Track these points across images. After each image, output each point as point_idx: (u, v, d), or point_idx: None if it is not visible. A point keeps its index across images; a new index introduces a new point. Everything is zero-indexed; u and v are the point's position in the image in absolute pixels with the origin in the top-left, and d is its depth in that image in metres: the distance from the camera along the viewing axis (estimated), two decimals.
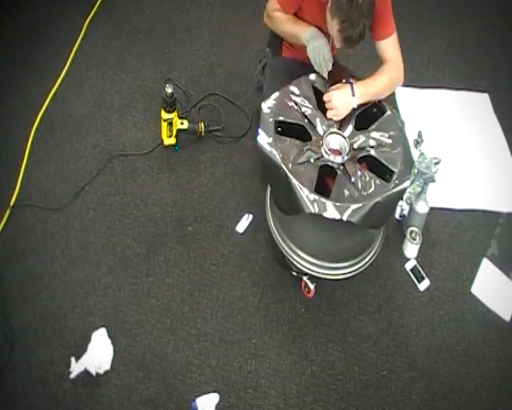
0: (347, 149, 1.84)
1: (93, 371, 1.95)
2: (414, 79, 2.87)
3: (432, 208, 2.31)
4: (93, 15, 2.99)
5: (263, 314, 2.14)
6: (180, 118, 2.49)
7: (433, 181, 2.27)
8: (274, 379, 2.01)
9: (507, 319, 2.18)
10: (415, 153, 2.40)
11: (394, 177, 1.78)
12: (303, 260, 1.96)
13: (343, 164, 1.82)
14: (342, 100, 1.88)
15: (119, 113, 2.65)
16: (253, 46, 2.92)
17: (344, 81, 1.92)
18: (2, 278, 2.14)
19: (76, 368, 1.93)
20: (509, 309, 2.20)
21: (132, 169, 2.47)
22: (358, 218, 1.70)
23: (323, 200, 1.70)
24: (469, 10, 3.25)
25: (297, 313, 2.14)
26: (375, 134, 1.89)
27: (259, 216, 2.31)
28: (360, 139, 1.88)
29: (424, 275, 2.25)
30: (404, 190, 1.83)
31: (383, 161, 1.82)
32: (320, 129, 1.88)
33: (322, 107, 1.92)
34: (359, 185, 1.76)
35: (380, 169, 1.82)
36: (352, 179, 1.77)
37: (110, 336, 2.04)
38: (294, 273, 2.13)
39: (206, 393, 1.96)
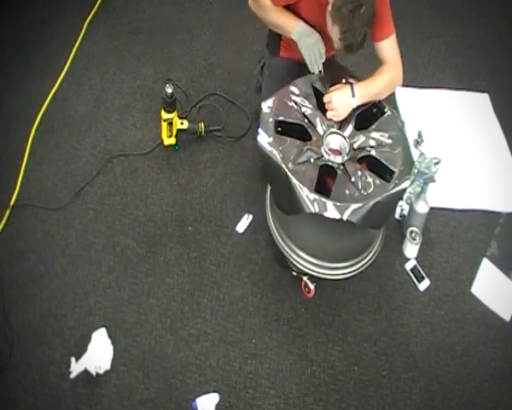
0: (347, 149, 1.84)
1: (93, 371, 1.95)
2: (414, 79, 2.87)
3: (432, 208, 2.31)
4: (93, 15, 2.99)
5: (263, 314, 2.14)
6: (180, 118, 2.49)
7: (433, 181, 2.27)
8: (274, 379, 2.01)
9: (507, 319, 2.18)
10: (415, 153, 2.40)
11: (394, 177, 1.78)
12: (303, 260, 1.96)
13: (343, 164, 1.82)
14: (342, 101, 1.88)
15: (119, 113, 2.65)
16: (253, 46, 2.92)
17: (344, 82, 1.92)
18: (2, 278, 2.14)
19: (76, 368, 1.93)
20: (509, 309, 2.20)
21: (132, 169, 2.47)
22: (358, 218, 1.70)
23: (323, 200, 1.70)
24: (469, 10, 3.25)
25: (297, 313, 2.14)
26: (375, 134, 1.89)
27: (259, 216, 2.31)
28: (360, 139, 1.88)
29: (424, 275, 2.25)
30: (404, 190, 1.83)
31: (383, 161, 1.82)
32: (320, 129, 1.88)
33: (322, 107, 1.92)
34: (359, 185, 1.76)
35: (380, 169, 1.82)
36: (352, 179, 1.77)
37: (110, 336, 2.04)
38: (294, 273, 2.13)
39: (206, 393, 1.96)
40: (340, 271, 1.98)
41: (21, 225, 2.28)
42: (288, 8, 2.02)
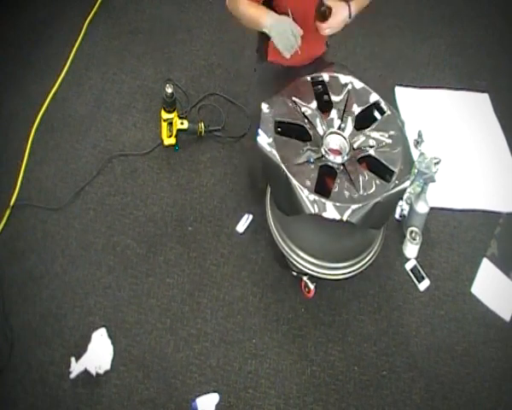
0: (347, 149, 1.84)
1: (93, 371, 1.95)
2: (414, 79, 2.87)
3: (432, 208, 2.31)
4: (93, 15, 2.99)
5: (263, 314, 2.14)
6: (180, 118, 2.49)
7: (433, 181, 2.27)
8: (274, 379, 2.01)
9: (507, 319, 2.18)
10: (415, 153, 2.40)
11: (394, 177, 1.78)
12: (303, 260, 1.96)
13: (343, 164, 1.82)
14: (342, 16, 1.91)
15: (119, 113, 2.64)
16: (253, 46, 2.91)
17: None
18: (2, 278, 2.14)
19: (76, 368, 1.93)
20: (509, 309, 2.20)
21: (132, 169, 2.47)
22: (358, 218, 1.70)
23: (323, 200, 1.70)
24: (469, 10, 3.25)
25: (297, 313, 2.14)
26: (375, 134, 1.89)
27: (259, 216, 2.31)
28: (360, 139, 1.88)
29: (424, 275, 2.25)
30: (404, 190, 1.83)
31: (383, 161, 1.82)
32: (320, 129, 1.88)
33: (322, 107, 1.92)
34: (359, 185, 1.76)
35: (380, 169, 1.82)
36: (352, 179, 1.77)
37: (110, 336, 2.04)
38: (294, 273, 2.13)
39: (206, 393, 1.96)
40: (340, 271, 1.98)
41: (21, 225, 2.28)
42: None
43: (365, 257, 2.00)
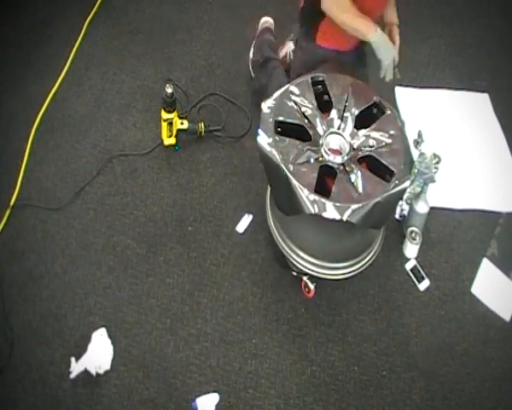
0: (347, 149, 1.84)
1: (93, 371, 1.95)
2: (414, 79, 2.87)
3: (432, 208, 2.31)
4: (93, 15, 2.99)
5: (263, 314, 2.14)
6: (180, 118, 2.49)
7: (433, 181, 2.27)
8: (274, 379, 2.01)
9: (507, 319, 2.18)
10: (415, 153, 2.39)
11: (394, 177, 1.78)
12: (303, 260, 1.96)
13: (343, 164, 1.82)
14: None
15: (119, 113, 2.64)
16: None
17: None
18: (2, 278, 2.14)
19: (76, 368, 1.93)
20: (509, 309, 2.20)
21: (132, 169, 2.47)
22: (358, 218, 1.70)
23: (323, 200, 1.70)
24: (469, 10, 3.25)
25: (297, 313, 2.14)
26: (375, 134, 1.89)
27: (259, 216, 2.31)
28: (360, 139, 1.88)
29: (424, 275, 2.25)
30: (404, 190, 1.83)
31: (383, 161, 1.82)
32: (320, 129, 1.88)
33: (322, 107, 1.92)
34: (359, 185, 1.76)
35: (380, 169, 1.82)
36: (352, 179, 1.77)
37: (110, 336, 2.04)
38: (294, 273, 2.13)
39: (206, 393, 1.96)
40: (340, 271, 1.98)
41: (21, 225, 2.28)
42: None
43: (365, 257, 2.00)
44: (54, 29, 2.92)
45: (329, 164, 1.81)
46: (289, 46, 2.64)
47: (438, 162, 2.27)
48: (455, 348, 2.11)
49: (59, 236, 2.27)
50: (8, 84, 2.68)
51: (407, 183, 1.79)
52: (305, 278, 2.12)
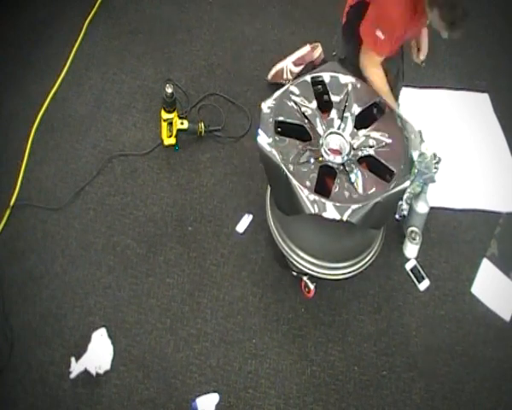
0: (347, 149, 1.84)
1: (93, 371, 1.95)
2: (414, 79, 2.86)
3: (432, 208, 2.30)
4: (93, 15, 2.99)
5: (263, 314, 2.14)
6: (180, 118, 2.48)
7: (433, 181, 2.27)
8: (274, 379, 2.01)
9: (507, 319, 2.18)
10: (415, 153, 2.39)
11: (394, 177, 1.78)
12: (303, 260, 1.96)
13: (343, 164, 1.82)
14: None
15: (119, 113, 2.64)
16: (253, 46, 2.92)
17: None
18: (2, 278, 2.14)
19: (76, 368, 1.93)
20: (509, 309, 2.20)
21: (132, 169, 2.47)
22: (358, 218, 1.70)
23: (323, 200, 1.70)
24: (469, 10, 3.24)
25: (297, 313, 2.14)
26: (375, 134, 1.89)
27: (259, 216, 2.31)
28: (360, 139, 1.88)
29: (424, 275, 2.25)
30: (404, 190, 1.83)
31: (383, 161, 1.82)
32: (320, 129, 1.88)
33: (322, 107, 1.92)
34: (359, 185, 1.76)
35: (380, 169, 1.82)
36: (352, 179, 1.77)
37: (110, 336, 2.04)
38: (294, 273, 2.13)
39: (206, 393, 1.96)
40: (340, 271, 1.98)
41: (21, 225, 2.28)
42: None
43: (365, 257, 2.00)
44: (54, 29, 2.92)
45: (329, 164, 1.81)
46: (286, 63, 2.65)
47: (438, 162, 2.27)
48: (455, 348, 2.11)
49: (59, 236, 2.27)
50: (8, 84, 2.68)
51: (407, 183, 1.79)
52: (305, 278, 2.12)
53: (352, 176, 1.78)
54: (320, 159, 1.82)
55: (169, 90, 2.32)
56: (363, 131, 1.90)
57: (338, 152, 1.86)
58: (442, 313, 2.18)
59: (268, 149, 1.79)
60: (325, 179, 1.83)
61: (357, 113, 1.92)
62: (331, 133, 1.88)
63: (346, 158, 1.83)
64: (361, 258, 2.00)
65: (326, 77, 1.97)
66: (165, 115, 2.38)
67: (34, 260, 2.20)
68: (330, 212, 1.69)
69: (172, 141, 2.50)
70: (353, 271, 1.99)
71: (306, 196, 1.70)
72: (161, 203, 2.39)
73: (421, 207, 2.25)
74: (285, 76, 2.68)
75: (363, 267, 2.00)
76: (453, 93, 2.84)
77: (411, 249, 2.28)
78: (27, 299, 2.11)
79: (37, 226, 2.28)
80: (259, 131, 1.82)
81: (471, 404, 2.01)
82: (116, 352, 2.02)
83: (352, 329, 2.13)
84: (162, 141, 2.52)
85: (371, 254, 2.02)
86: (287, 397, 1.98)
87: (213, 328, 2.10)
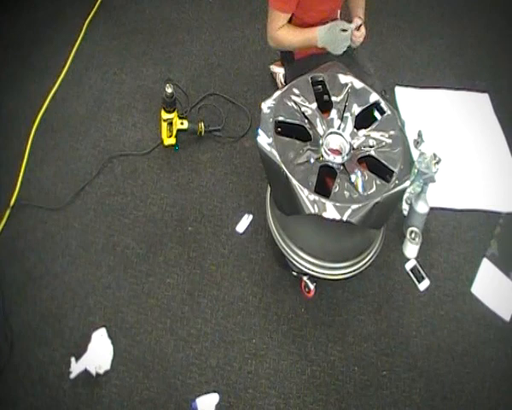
0: (347, 149, 1.84)
1: (93, 371, 1.95)
2: (414, 78, 2.87)
3: (432, 208, 2.31)
4: (93, 15, 2.99)
5: (263, 314, 2.14)
6: (180, 118, 2.49)
7: (433, 181, 2.27)
8: (274, 379, 2.01)
9: (507, 319, 2.18)
10: (415, 153, 2.40)
11: (394, 177, 1.78)
12: (303, 260, 1.96)
13: (343, 164, 1.82)
14: None
15: (119, 113, 2.65)
16: (252, 46, 2.93)
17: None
18: (2, 278, 2.14)
19: (76, 368, 1.93)
20: (509, 309, 2.20)
21: (132, 169, 2.47)
22: (358, 218, 1.70)
23: (323, 200, 1.69)
24: (469, 10, 3.25)
25: (297, 313, 2.14)
26: (375, 134, 1.88)
27: (259, 216, 2.32)
28: (360, 139, 1.88)
29: (424, 275, 2.25)
30: (404, 190, 1.82)
31: (383, 161, 1.82)
32: (320, 129, 1.88)
33: (322, 107, 1.92)
34: (359, 185, 1.76)
35: (380, 169, 1.81)
36: (352, 179, 1.77)
37: (110, 336, 2.04)
38: (294, 273, 2.13)
39: (206, 393, 1.96)
40: (340, 271, 1.98)
41: (21, 225, 2.28)
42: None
43: (365, 257, 2.00)
44: (54, 29, 2.92)
45: (329, 164, 1.81)
46: (280, 71, 2.69)
47: (438, 162, 2.27)
48: (455, 348, 2.11)
49: (59, 236, 2.27)
50: (8, 84, 2.68)
51: (407, 183, 1.79)
52: (305, 278, 2.12)
53: (352, 176, 1.78)
54: (320, 159, 1.82)
55: (169, 90, 2.32)
56: (363, 131, 1.90)
57: (338, 152, 1.86)
58: (442, 313, 2.18)
59: (268, 149, 1.78)
60: (325, 179, 1.83)
61: (357, 113, 1.92)
62: (331, 133, 1.87)
63: (346, 158, 1.82)
64: (361, 258, 1.99)
65: (326, 77, 1.97)
66: (165, 115, 2.38)
67: (34, 260, 2.20)
68: (330, 212, 1.69)
69: (172, 141, 2.50)
70: (353, 271, 1.99)
71: (306, 196, 1.70)
72: (161, 203, 2.39)
73: (421, 207, 2.25)
74: (277, 81, 2.70)
75: (363, 267, 2.00)
76: (453, 93, 2.85)
77: (411, 249, 2.28)
78: (27, 299, 2.11)
79: (37, 226, 2.28)
80: (259, 131, 1.82)
81: (471, 404, 2.01)
82: (116, 352, 2.02)
83: (352, 329, 2.13)
84: (162, 141, 2.52)
85: (371, 254, 2.02)
86: (287, 397, 1.98)
87: (213, 328, 2.10)
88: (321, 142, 1.85)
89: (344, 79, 1.97)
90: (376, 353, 2.08)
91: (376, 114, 1.94)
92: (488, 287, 2.24)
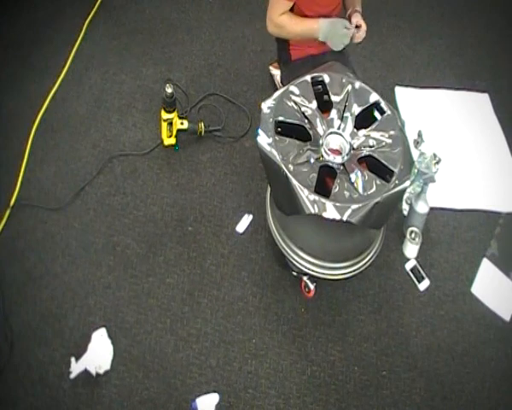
0: (347, 149, 1.84)
1: (93, 371, 1.95)
2: (414, 78, 2.87)
3: (432, 208, 2.31)
4: (93, 15, 2.99)
5: (263, 314, 2.14)
6: (180, 118, 2.49)
7: (433, 181, 2.27)
8: (274, 379, 2.01)
9: (507, 319, 2.18)
10: (415, 153, 2.40)
11: (394, 177, 1.78)
12: (303, 260, 1.96)
13: (343, 164, 1.82)
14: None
15: (119, 113, 2.65)
16: (252, 46, 2.93)
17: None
18: (2, 278, 2.14)
19: (76, 368, 1.93)
20: (509, 309, 2.20)
21: (132, 169, 2.47)
22: (358, 218, 1.70)
23: (323, 200, 1.69)
24: (469, 10, 3.25)
25: (297, 313, 2.14)
26: (375, 134, 1.88)
27: (259, 216, 2.32)
28: (360, 139, 1.88)
29: (424, 275, 2.25)
30: (404, 190, 1.82)
31: (383, 161, 1.82)
32: (320, 129, 1.88)
33: (322, 107, 1.92)
34: (359, 185, 1.76)
35: (380, 169, 1.81)
36: (352, 179, 1.77)
37: (110, 336, 2.04)
38: (294, 273, 2.13)
39: (206, 393, 1.96)
40: (340, 271, 1.98)
41: (21, 225, 2.28)
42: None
43: (365, 257, 2.00)
44: (54, 29, 2.92)
45: (329, 164, 1.81)
46: (278, 73, 2.69)
47: (438, 162, 2.27)
48: (455, 348, 2.11)
49: (59, 236, 2.27)
50: (8, 84, 2.68)
51: (407, 183, 1.79)
52: (305, 278, 2.12)
53: (352, 176, 1.78)
54: (320, 159, 1.82)
55: (169, 90, 2.32)
56: (363, 131, 1.90)
57: (338, 152, 1.86)
58: (442, 313, 2.18)
59: (268, 149, 1.78)
60: (325, 179, 1.83)
61: (357, 113, 1.92)
62: (331, 133, 1.87)
63: (346, 158, 1.82)
64: (361, 258, 1.99)
65: (326, 77, 1.97)
66: (165, 115, 2.38)
67: (34, 260, 2.20)
68: (330, 212, 1.69)
69: (172, 141, 2.50)
70: (353, 271, 1.99)
71: (306, 196, 1.70)
72: (161, 203, 2.39)
73: (421, 207, 2.25)
74: (276, 82, 2.71)
75: (363, 267, 2.00)
76: (453, 93, 2.85)
77: (411, 249, 2.28)
78: (27, 299, 2.11)
79: (37, 226, 2.28)
80: (259, 131, 1.82)
81: (471, 404, 2.01)
82: (116, 352, 2.02)
83: (352, 329, 2.13)
84: (162, 141, 2.52)
85: (371, 255, 2.02)
86: (287, 397, 1.98)
87: (213, 328, 2.10)
88: (321, 142, 1.85)
89: (344, 79, 1.97)
90: (376, 353, 2.08)
91: (376, 114, 1.94)
92: (488, 287, 2.24)
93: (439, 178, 2.29)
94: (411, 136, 2.34)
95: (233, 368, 2.02)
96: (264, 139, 1.80)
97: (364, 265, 2.00)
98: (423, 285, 2.23)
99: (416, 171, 2.31)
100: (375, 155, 1.84)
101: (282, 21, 2.14)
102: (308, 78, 1.97)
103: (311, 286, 2.12)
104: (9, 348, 2.00)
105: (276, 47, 2.41)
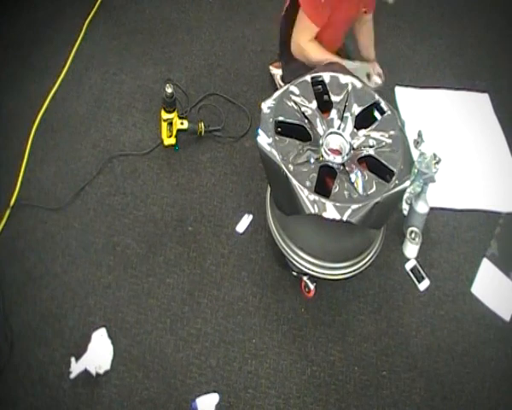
0: (347, 149, 1.84)
1: (93, 371, 1.95)
2: (414, 78, 2.87)
3: (432, 208, 2.31)
4: (93, 15, 2.99)
5: (263, 314, 2.14)
6: (180, 118, 2.49)
7: (433, 181, 2.27)
8: (274, 379, 2.01)
9: (507, 319, 2.18)
10: (415, 153, 2.40)
11: (394, 177, 1.78)
12: (303, 260, 1.96)
13: (343, 164, 1.82)
14: None
15: (119, 113, 2.65)
16: (252, 46, 2.93)
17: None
18: (2, 278, 2.14)
19: (76, 368, 1.93)
20: (509, 309, 2.20)
21: (132, 169, 2.47)
22: (358, 218, 1.70)
23: (323, 200, 1.69)
24: (469, 10, 3.25)
25: (297, 313, 2.15)
26: (375, 134, 1.88)
27: (259, 216, 2.32)
28: (360, 139, 1.88)
29: (424, 275, 2.25)
30: (404, 190, 1.82)
31: (383, 161, 1.82)
32: (320, 129, 1.88)
33: (322, 107, 1.92)
34: (359, 185, 1.76)
35: (380, 169, 1.81)
36: (352, 179, 1.77)
37: (110, 336, 2.04)
38: (294, 273, 2.13)
39: (206, 393, 1.96)
40: (340, 271, 1.98)
41: (21, 225, 2.28)
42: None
43: (365, 257, 2.00)
44: (54, 29, 2.92)
45: (329, 164, 1.81)
46: (278, 73, 2.70)
47: (438, 162, 2.27)
48: (455, 348, 2.11)
49: (59, 236, 2.27)
50: (8, 84, 2.68)
51: (407, 183, 1.79)
52: (305, 278, 2.12)
53: (352, 176, 1.78)
54: (320, 159, 1.82)
55: (169, 90, 2.32)
56: (363, 131, 1.90)
57: (338, 152, 1.86)
58: (442, 313, 2.18)
59: (268, 149, 1.78)
60: (325, 179, 1.83)
61: (357, 113, 1.92)
62: (331, 133, 1.87)
63: (346, 158, 1.82)
64: (361, 258, 1.99)
65: (326, 77, 1.97)
66: (165, 115, 2.38)
67: (34, 260, 2.20)
68: (330, 212, 1.69)
69: (172, 141, 2.50)
70: (353, 271, 1.99)
71: (306, 196, 1.70)
72: (161, 203, 2.39)
73: (421, 207, 2.25)
74: (276, 82, 2.71)
75: (363, 267, 2.00)
76: (453, 93, 2.85)
77: (411, 249, 2.28)
78: (27, 299, 2.11)
79: (37, 226, 2.28)
80: (259, 131, 1.82)
81: (471, 404, 2.01)
82: (116, 352, 2.02)
83: (351, 329, 2.13)
84: (162, 141, 2.52)
85: (371, 255, 2.02)
86: (287, 397, 1.98)
87: (213, 328, 2.10)
88: (321, 142, 1.85)
89: (344, 79, 1.97)
90: (376, 353, 2.08)
91: (376, 114, 1.94)
92: (488, 287, 2.24)
93: (439, 178, 2.29)
94: (411, 136, 2.34)
95: (233, 368, 2.02)
96: (264, 139, 1.80)
97: (364, 265, 2.00)
98: (423, 285, 2.23)
99: (415, 171, 2.31)
100: (375, 155, 1.84)
101: (311, 49, 2.19)
102: (308, 78, 1.97)
103: (311, 286, 2.12)
104: (9, 348, 2.00)
105: (276, 47, 2.41)
